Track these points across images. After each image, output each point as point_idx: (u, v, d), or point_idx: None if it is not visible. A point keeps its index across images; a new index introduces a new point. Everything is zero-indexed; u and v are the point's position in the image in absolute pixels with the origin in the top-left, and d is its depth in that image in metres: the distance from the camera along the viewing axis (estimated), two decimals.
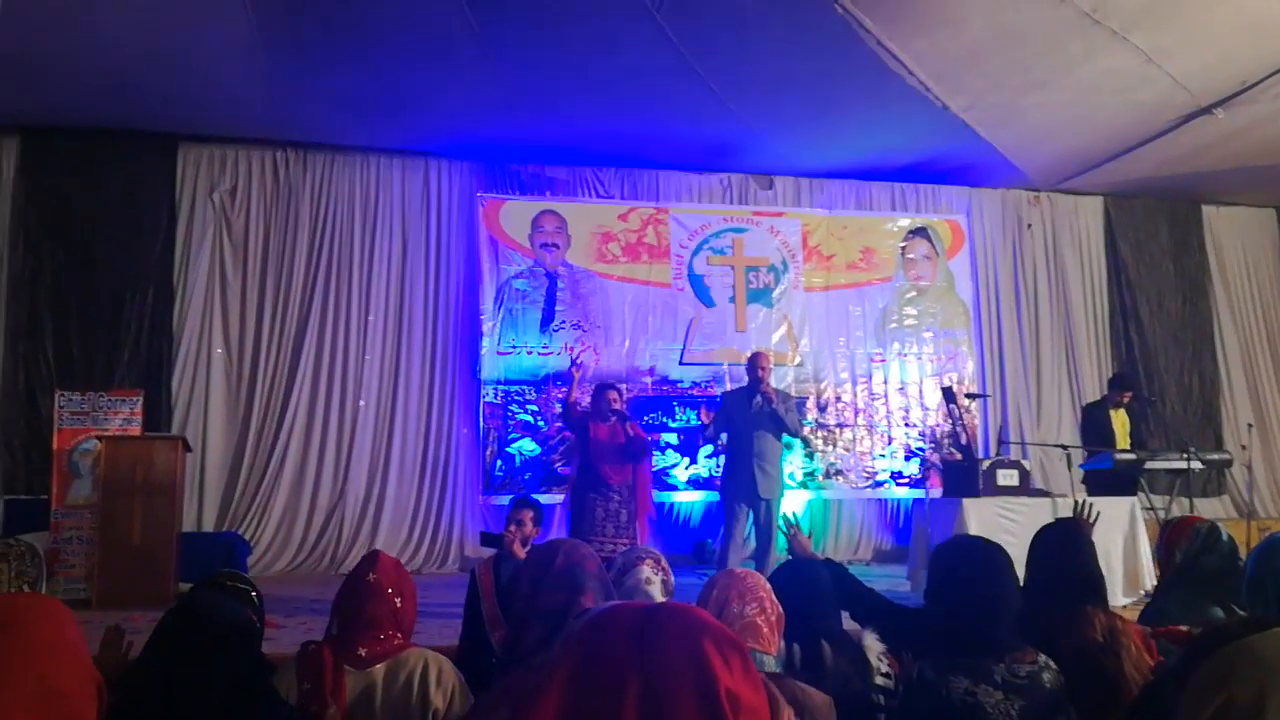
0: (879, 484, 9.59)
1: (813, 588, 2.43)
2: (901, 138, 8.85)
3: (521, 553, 4.26)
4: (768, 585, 2.15)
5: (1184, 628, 2.58)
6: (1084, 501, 3.70)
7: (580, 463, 6.00)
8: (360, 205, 8.89)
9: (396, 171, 9.03)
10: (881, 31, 6.66)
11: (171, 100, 7.87)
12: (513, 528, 4.45)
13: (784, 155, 9.42)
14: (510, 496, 8.59)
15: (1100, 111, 8.20)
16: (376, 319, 8.80)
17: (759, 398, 6.12)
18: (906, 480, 9.61)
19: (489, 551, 8.53)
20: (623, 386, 6.98)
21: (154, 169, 8.40)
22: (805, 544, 3.24)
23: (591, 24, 6.79)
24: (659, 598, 2.59)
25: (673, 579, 2.58)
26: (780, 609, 2.10)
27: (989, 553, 2.24)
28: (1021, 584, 2.43)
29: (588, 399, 6.83)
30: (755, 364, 6.27)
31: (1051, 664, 2.26)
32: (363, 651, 2.17)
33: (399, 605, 2.26)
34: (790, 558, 6.09)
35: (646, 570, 2.53)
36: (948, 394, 6.48)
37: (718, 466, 9.13)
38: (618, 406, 5.97)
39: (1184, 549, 3.22)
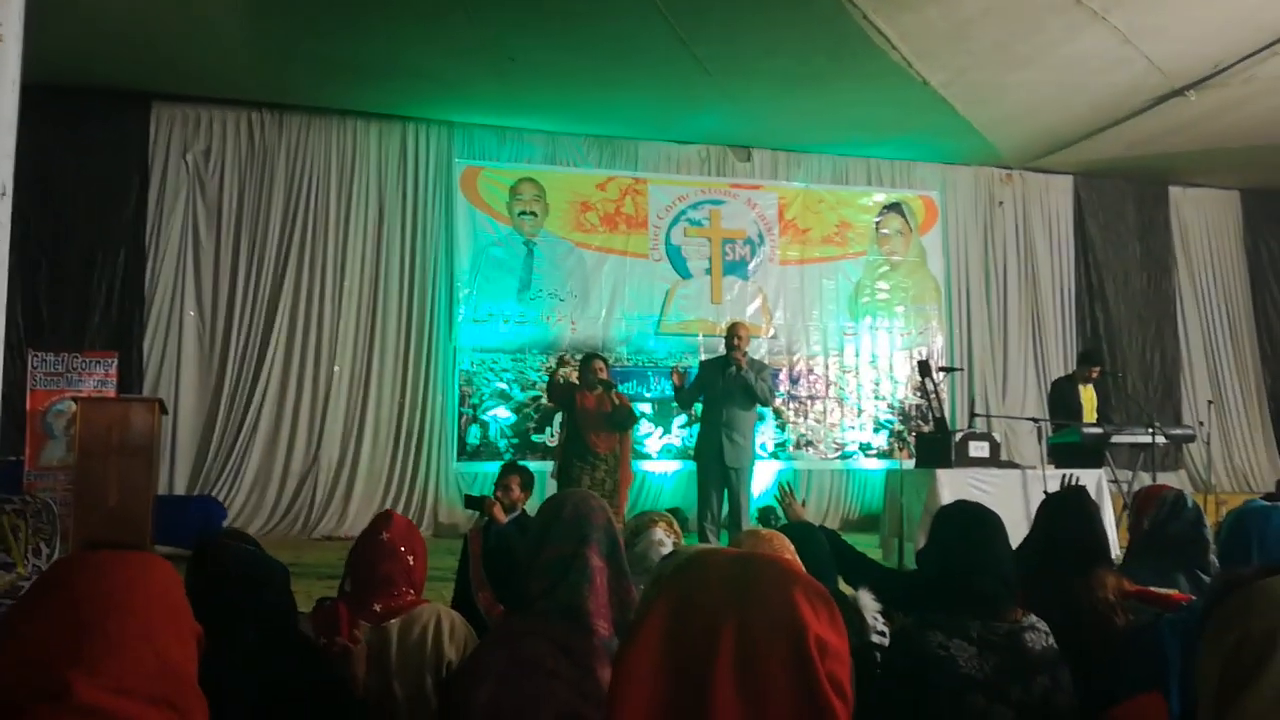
0: (848, 455, 9.74)
1: (813, 549, 2.50)
2: (880, 113, 8.89)
3: (503, 517, 4.29)
4: (792, 545, 2.21)
5: (1157, 590, 2.68)
6: (1070, 475, 3.80)
7: (567, 432, 6.04)
8: (337, 168, 8.81)
9: (374, 135, 8.94)
10: (870, 5, 6.69)
11: (147, 58, 7.72)
12: (498, 493, 4.49)
13: (763, 128, 9.44)
14: (484, 464, 8.71)
15: (1077, 91, 8.31)
16: (352, 284, 8.74)
17: (732, 367, 6.18)
18: (875, 451, 9.77)
19: (466, 515, 8.59)
20: (607, 356, 7.01)
21: (127, 127, 8.26)
22: (799, 510, 3.31)
23: None
24: None
25: (683, 542, 2.64)
26: (803, 567, 2.16)
27: (982, 515, 2.32)
28: (1014, 548, 2.51)
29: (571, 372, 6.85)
30: (732, 333, 6.32)
31: (1040, 625, 2.33)
32: (377, 607, 2.21)
33: (411, 563, 2.30)
34: (759, 524, 6.20)
35: (659, 532, 2.58)
36: (923, 367, 6.58)
37: (690, 435, 9.25)
38: (604, 376, 6.01)
39: (1152, 516, 3.34)
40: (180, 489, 8.01)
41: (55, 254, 8.02)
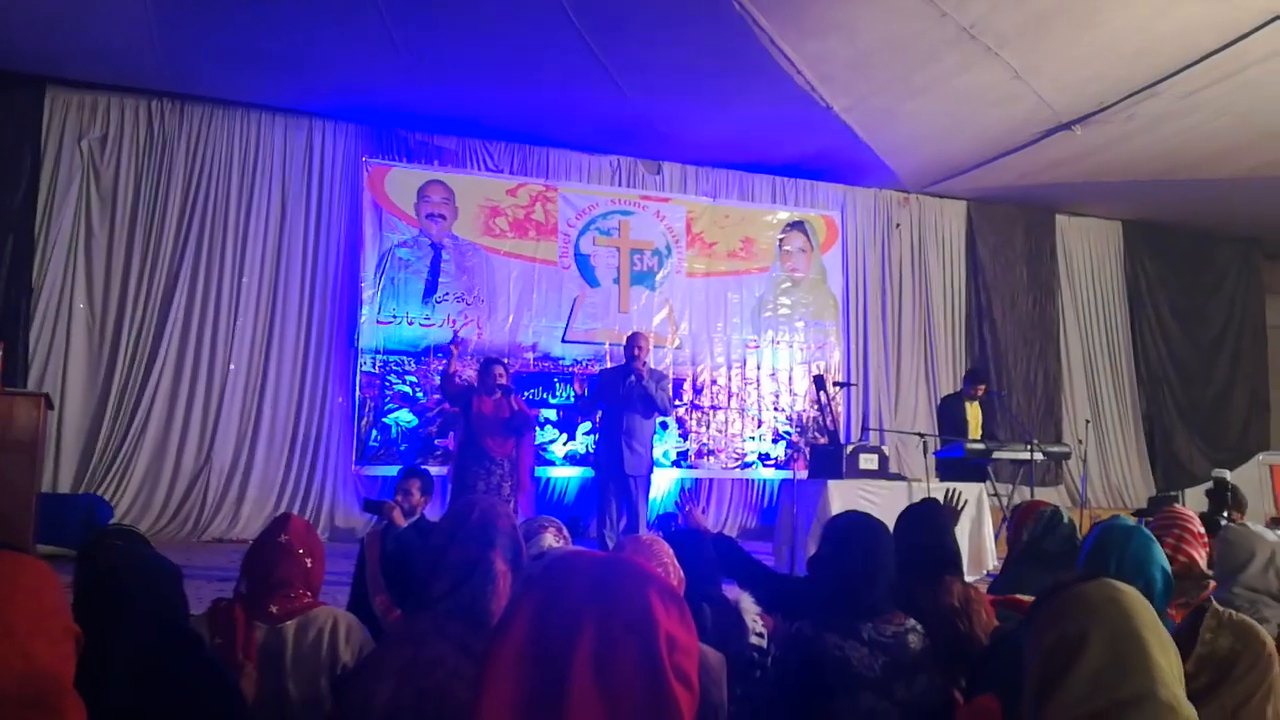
0: (747, 465, 9.95)
1: (696, 555, 2.61)
2: (785, 133, 9.16)
3: (403, 521, 4.31)
4: (671, 551, 2.32)
5: (1023, 597, 2.88)
6: (954, 490, 4.02)
7: (463, 435, 6.05)
8: (239, 162, 8.63)
9: (279, 130, 8.80)
10: (775, 31, 6.91)
11: (42, 40, 7.46)
12: (399, 497, 4.49)
13: (673, 142, 9.61)
14: (384, 468, 8.63)
15: (970, 122, 8.70)
16: (251, 280, 8.57)
17: (632, 376, 6.29)
18: (773, 462, 10.01)
19: (363, 520, 8.49)
20: (507, 361, 7.04)
21: (19, 112, 7.94)
22: (699, 517, 3.42)
23: None
24: None
25: (572, 545, 2.72)
26: (681, 572, 2.27)
27: (873, 527, 2.46)
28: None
29: (469, 372, 6.84)
30: (633, 343, 6.45)
31: (919, 628, 2.50)
32: (274, 609, 2.23)
33: (309, 565, 2.32)
34: (659, 531, 6.31)
35: (549, 538, 2.66)
36: (818, 381, 6.82)
37: (593, 444, 9.33)
38: (503, 381, 6.05)
39: (1030, 529, 3.57)
40: (65, 487, 7.73)
41: None
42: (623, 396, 6.18)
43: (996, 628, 2.70)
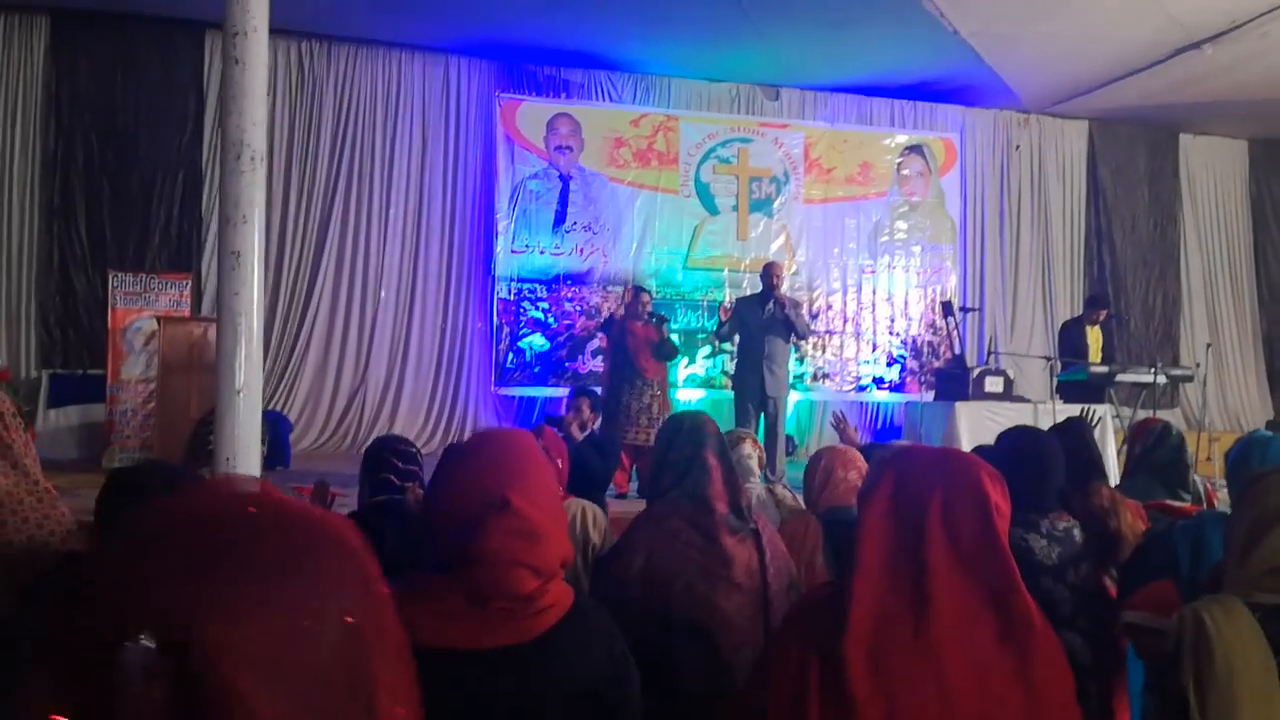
0: (862, 388, 10.25)
1: None
2: (907, 57, 9.21)
3: (579, 434, 4.80)
4: (861, 457, 2.71)
5: (1172, 503, 3.21)
6: (1088, 409, 4.31)
7: (615, 358, 6.46)
8: (382, 100, 9.13)
9: (418, 67, 9.25)
10: None
11: None
12: (571, 414, 4.99)
13: (792, 67, 9.73)
14: (520, 389, 9.23)
15: (1098, 42, 8.63)
16: (397, 212, 9.13)
17: (772, 304, 6.62)
18: (888, 385, 10.29)
19: None
20: (653, 290, 7.44)
21: (182, 56, 8.56)
22: (853, 434, 3.80)
23: None
24: (756, 470, 3.15)
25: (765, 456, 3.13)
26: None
27: (1046, 439, 2.83)
28: None
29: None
30: (770, 273, 6.76)
31: (1079, 526, 2.87)
32: None
33: (560, 465, 2.79)
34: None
35: (748, 447, 3.07)
36: (946, 307, 7.05)
37: (714, 366, 9.76)
38: (649, 309, 6.45)
39: (1143, 443, 3.88)
40: None
41: (117, 178, 8.38)
42: (763, 323, 6.53)
43: (1149, 528, 3.04)
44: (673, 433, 2.59)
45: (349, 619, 0.65)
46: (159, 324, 6.58)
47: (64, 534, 2.02)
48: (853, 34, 8.80)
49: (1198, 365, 9.46)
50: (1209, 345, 10.11)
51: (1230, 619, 1.55)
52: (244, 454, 2.29)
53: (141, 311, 6.91)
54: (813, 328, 9.95)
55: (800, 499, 3.53)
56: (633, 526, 2.51)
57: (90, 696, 0.58)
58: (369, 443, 3.29)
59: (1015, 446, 2.75)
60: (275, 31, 8.43)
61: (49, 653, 0.61)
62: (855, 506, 2.64)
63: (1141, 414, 7.79)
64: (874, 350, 10.29)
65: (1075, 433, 3.54)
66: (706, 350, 9.72)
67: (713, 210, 9.93)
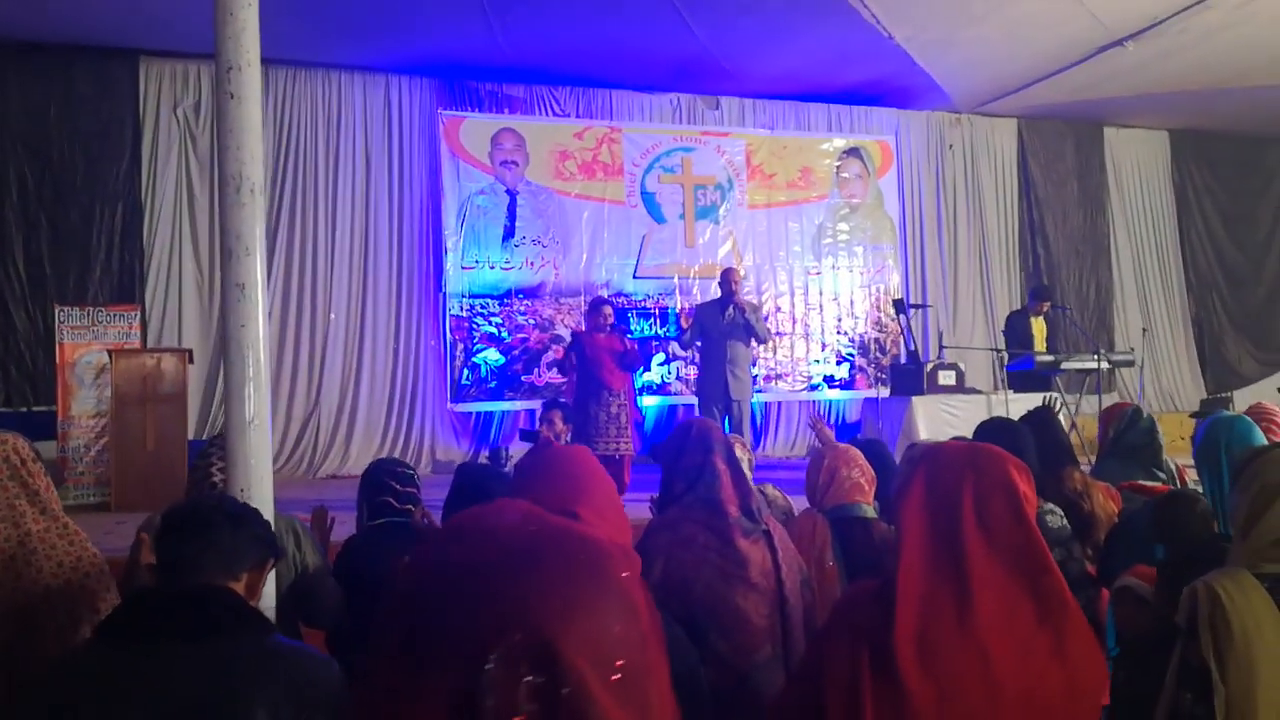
0: (814, 387, 10.42)
1: (880, 459, 3.09)
2: (843, 63, 9.42)
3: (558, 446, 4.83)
4: (862, 455, 2.80)
5: (1146, 483, 3.35)
6: (1051, 396, 4.45)
7: (580, 372, 6.50)
8: (323, 122, 9.05)
9: (358, 88, 9.18)
10: None
11: (134, 14, 7.85)
12: (543, 427, 5.02)
13: (731, 76, 9.87)
14: (476, 404, 9.22)
15: (1026, 43, 8.93)
16: (343, 234, 9.05)
17: (732, 309, 6.73)
18: (838, 383, 10.47)
19: (461, 453, 9.05)
20: (612, 300, 7.50)
21: (118, 84, 8.39)
22: (829, 433, 3.89)
23: None
24: (748, 472, 3.22)
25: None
26: (872, 472, 2.75)
27: (1016, 427, 2.94)
28: None
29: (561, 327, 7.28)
30: (728, 279, 6.88)
31: (1058, 510, 2.99)
32: None
33: None
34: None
35: (739, 449, 3.14)
36: (898, 305, 7.23)
37: (669, 373, 9.85)
38: (610, 321, 6.51)
39: (1114, 426, 4.03)
40: (191, 435, 8.32)
41: (54, 211, 8.18)
42: (723, 328, 6.63)
43: (1125, 507, 3.18)
44: (681, 440, 2.65)
45: (639, 622, 0.72)
46: (110, 357, 6.44)
47: (97, 574, 2.01)
48: (790, 43, 8.98)
49: (1132, 350, 9.83)
50: (1145, 330, 10.49)
51: (1241, 589, 1.66)
52: (257, 485, 2.28)
53: (90, 345, 6.75)
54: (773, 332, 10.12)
55: (787, 498, 3.62)
56: (648, 534, 2.56)
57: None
58: (366, 467, 3.29)
59: (993, 438, 2.86)
60: (211, 56, 8.28)
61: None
62: (860, 504, 2.75)
63: (1089, 400, 8.08)
64: (823, 349, 10.47)
65: (1043, 421, 3.68)
66: (660, 357, 9.81)
67: (660, 219, 10.03)
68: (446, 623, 0.69)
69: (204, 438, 8.32)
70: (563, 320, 9.25)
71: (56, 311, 6.85)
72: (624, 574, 0.76)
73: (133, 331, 6.91)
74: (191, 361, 6.90)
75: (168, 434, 6.48)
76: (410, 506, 3.02)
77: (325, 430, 8.86)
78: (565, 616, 0.68)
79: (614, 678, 0.68)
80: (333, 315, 8.95)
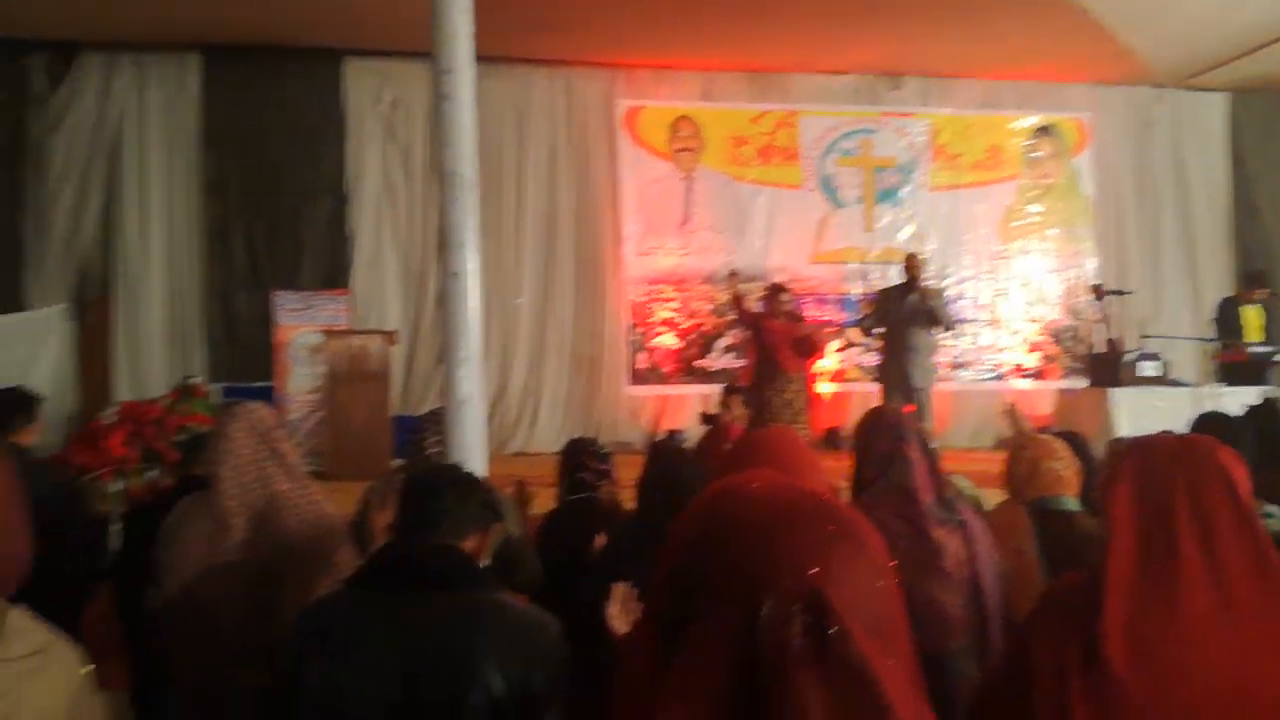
0: (1000, 376, 10.05)
1: (1081, 453, 3.02)
2: (1034, 39, 8.99)
3: (738, 430, 4.91)
4: (1066, 446, 2.74)
5: None
6: (1270, 391, 4.21)
7: (758, 356, 6.56)
8: (511, 114, 9.41)
9: (543, 81, 9.50)
10: None
11: (339, 18, 8.38)
12: (723, 412, 5.11)
13: (913, 56, 9.61)
14: (652, 388, 9.41)
15: (1235, 11, 8.30)
16: (528, 221, 9.41)
17: (915, 295, 6.61)
18: (1029, 373, 10.06)
19: (639, 433, 9.27)
20: (790, 286, 7.50)
21: (324, 84, 9.00)
22: (1027, 423, 3.80)
23: None
24: None
25: None
26: (1078, 464, 2.70)
27: (1232, 421, 2.81)
28: None
29: (752, 300, 7.32)
30: (911, 264, 6.75)
31: (1277, 513, 2.84)
32: None
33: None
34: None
35: None
36: (1098, 291, 6.90)
37: (843, 360, 9.73)
38: (789, 307, 6.53)
39: None
40: (392, 411, 8.88)
41: (269, 201, 8.87)
42: (905, 314, 6.53)
43: None
44: (872, 426, 2.68)
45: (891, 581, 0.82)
46: (324, 338, 6.95)
47: (335, 530, 2.24)
48: (977, 19, 8.65)
49: None
50: None
51: None
52: (472, 458, 2.46)
53: (304, 327, 7.31)
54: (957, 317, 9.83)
55: (976, 489, 3.58)
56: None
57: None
58: (564, 444, 3.47)
59: (1210, 433, 2.75)
60: (408, 55, 8.71)
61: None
62: (1063, 497, 2.70)
63: None
64: (1013, 336, 10.08)
65: (1266, 416, 3.49)
66: (835, 344, 9.71)
67: (838, 203, 9.91)
68: (726, 568, 0.79)
69: (405, 414, 8.87)
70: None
71: (273, 295, 7.43)
72: (873, 538, 0.85)
73: (341, 315, 7.44)
74: (396, 342, 7.36)
75: (374, 409, 6.95)
76: (603, 483, 3.17)
77: (512, 409, 9.25)
78: (828, 569, 0.77)
79: (874, 626, 0.77)
80: (520, 300, 9.32)
